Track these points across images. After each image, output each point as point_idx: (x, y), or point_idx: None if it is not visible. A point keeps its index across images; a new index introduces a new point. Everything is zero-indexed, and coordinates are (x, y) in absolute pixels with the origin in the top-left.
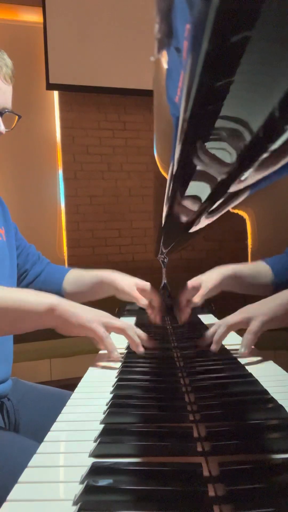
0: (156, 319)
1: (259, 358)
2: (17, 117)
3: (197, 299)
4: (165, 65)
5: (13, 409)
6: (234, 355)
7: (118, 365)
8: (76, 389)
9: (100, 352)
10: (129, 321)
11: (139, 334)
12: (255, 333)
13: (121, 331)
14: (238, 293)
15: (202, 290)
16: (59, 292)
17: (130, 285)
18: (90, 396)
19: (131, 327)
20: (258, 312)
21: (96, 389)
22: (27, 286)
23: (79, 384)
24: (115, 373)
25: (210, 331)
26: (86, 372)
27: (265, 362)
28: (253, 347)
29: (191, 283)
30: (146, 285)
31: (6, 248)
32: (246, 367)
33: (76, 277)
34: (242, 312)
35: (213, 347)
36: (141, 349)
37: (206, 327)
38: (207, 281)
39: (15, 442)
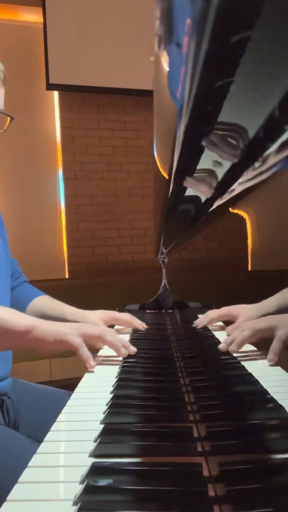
0: (140, 328)
1: (259, 358)
2: (9, 118)
3: (235, 347)
4: (165, 60)
5: (13, 407)
6: (235, 355)
7: (118, 365)
8: (76, 389)
9: (99, 354)
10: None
11: (118, 338)
12: (284, 340)
13: (98, 339)
14: (238, 294)
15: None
16: None
17: (93, 324)
18: (90, 396)
19: (108, 332)
20: (286, 322)
21: (96, 389)
22: None
23: (79, 384)
24: (115, 373)
25: (229, 329)
26: (86, 372)
27: (265, 362)
28: (253, 347)
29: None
30: (110, 314)
31: (1, 249)
32: (246, 367)
33: (41, 307)
34: (269, 319)
35: (234, 348)
36: (123, 352)
37: (207, 328)
38: (245, 318)
39: (15, 439)
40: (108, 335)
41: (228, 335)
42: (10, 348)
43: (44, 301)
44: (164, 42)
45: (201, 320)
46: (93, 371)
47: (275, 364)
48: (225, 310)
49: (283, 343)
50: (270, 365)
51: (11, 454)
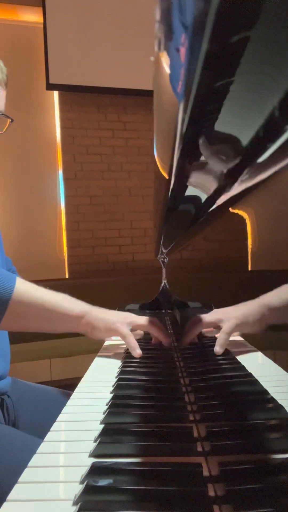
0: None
1: (258, 357)
2: (9, 120)
3: (218, 348)
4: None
5: (13, 406)
6: (234, 355)
7: (117, 365)
8: (76, 389)
9: (105, 344)
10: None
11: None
12: (228, 333)
13: (145, 327)
14: (238, 294)
15: (224, 336)
16: None
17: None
18: (90, 396)
19: (153, 320)
20: (231, 315)
21: (96, 389)
22: None
23: (79, 384)
24: (115, 373)
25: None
26: (86, 372)
27: (265, 362)
28: (254, 348)
29: (212, 319)
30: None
31: None
32: (246, 367)
33: None
34: (216, 313)
35: (185, 341)
36: (167, 341)
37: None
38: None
39: (15, 437)
40: (154, 323)
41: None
42: (67, 330)
43: None
44: (164, 42)
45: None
46: (102, 370)
47: (275, 364)
48: (214, 317)
49: (227, 335)
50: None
51: (11, 452)
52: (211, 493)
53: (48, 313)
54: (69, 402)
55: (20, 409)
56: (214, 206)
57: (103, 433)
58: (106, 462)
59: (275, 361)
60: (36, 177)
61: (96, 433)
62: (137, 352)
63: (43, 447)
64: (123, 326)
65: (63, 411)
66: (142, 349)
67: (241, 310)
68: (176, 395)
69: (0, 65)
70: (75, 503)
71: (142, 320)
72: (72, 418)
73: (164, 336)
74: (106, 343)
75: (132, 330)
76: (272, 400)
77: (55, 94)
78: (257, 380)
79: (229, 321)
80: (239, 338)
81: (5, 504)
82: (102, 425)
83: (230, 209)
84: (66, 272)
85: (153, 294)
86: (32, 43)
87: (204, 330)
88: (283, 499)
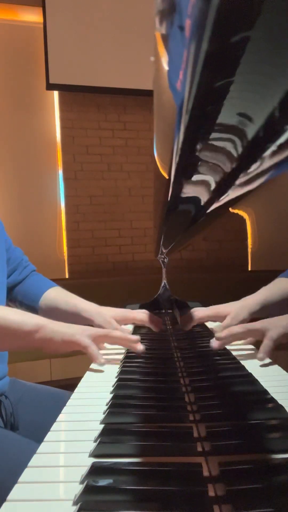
0: (156, 328)
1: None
2: None
3: (216, 344)
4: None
5: (11, 407)
6: (234, 354)
7: (117, 365)
8: (76, 389)
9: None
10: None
11: (126, 333)
12: (275, 340)
13: (105, 337)
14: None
15: (228, 331)
16: (35, 308)
17: (106, 321)
18: (90, 396)
19: (113, 330)
20: (277, 324)
21: (96, 389)
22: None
23: (79, 384)
24: (115, 373)
25: (218, 329)
26: (86, 372)
27: (265, 362)
28: (253, 347)
29: (215, 312)
30: (124, 313)
31: None
32: (246, 367)
33: (54, 300)
34: (261, 322)
35: (216, 345)
36: (138, 346)
37: (207, 328)
38: (233, 318)
39: (13, 440)
40: (114, 332)
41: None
42: (19, 349)
43: (57, 293)
44: (163, 41)
45: (187, 321)
46: (102, 370)
47: (275, 364)
48: (213, 310)
49: (273, 342)
50: (267, 364)
51: (9, 456)
52: (211, 493)
53: None
54: (69, 402)
55: (20, 410)
56: (214, 206)
57: (103, 433)
58: (106, 462)
59: (275, 361)
60: (36, 177)
61: (96, 433)
62: (100, 360)
63: (43, 447)
64: (83, 337)
65: (63, 411)
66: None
67: (286, 320)
68: (176, 395)
69: None
70: (75, 503)
71: (102, 331)
72: (72, 418)
73: (130, 343)
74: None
75: (96, 341)
76: (272, 400)
77: (55, 94)
78: (257, 380)
79: (276, 329)
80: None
81: (5, 504)
82: (102, 425)
83: (230, 209)
84: (66, 272)
85: (153, 294)
86: (32, 43)
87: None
88: (283, 499)
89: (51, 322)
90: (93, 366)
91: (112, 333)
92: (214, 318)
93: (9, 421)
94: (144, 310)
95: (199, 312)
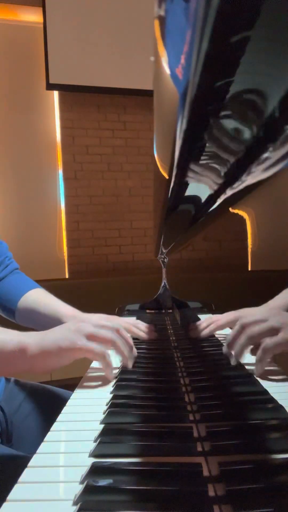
0: (143, 336)
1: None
2: None
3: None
4: (164, 63)
5: (5, 418)
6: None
7: (117, 365)
8: (76, 389)
9: None
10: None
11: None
12: (282, 344)
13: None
14: (238, 294)
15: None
16: (12, 310)
17: None
18: (90, 396)
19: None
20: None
21: (96, 389)
22: None
23: (79, 384)
24: (115, 373)
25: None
26: (86, 372)
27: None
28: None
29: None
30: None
31: None
32: (246, 367)
33: (33, 302)
34: (270, 321)
35: (237, 356)
36: (130, 364)
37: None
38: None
39: (6, 455)
40: (121, 343)
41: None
42: (5, 375)
43: (38, 296)
44: (163, 41)
45: (206, 327)
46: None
47: (275, 364)
48: (232, 316)
49: (279, 346)
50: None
51: (9, 459)
52: (211, 493)
53: None
54: (69, 402)
55: (20, 410)
56: (214, 206)
57: (103, 433)
58: (106, 462)
59: (275, 361)
60: (36, 177)
61: (96, 433)
62: (109, 375)
63: (43, 447)
64: (85, 341)
65: (63, 411)
66: (142, 348)
67: None
68: (176, 395)
69: None
70: (75, 503)
71: (106, 334)
72: (72, 418)
73: (123, 356)
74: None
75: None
76: (272, 400)
77: (55, 94)
78: (257, 380)
79: (285, 329)
80: None
81: (5, 504)
82: (102, 425)
83: (230, 209)
84: (66, 272)
85: (153, 294)
86: (32, 43)
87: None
88: (283, 499)
89: (36, 334)
90: (93, 366)
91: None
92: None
93: (4, 433)
94: (129, 320)
95: (218, 319)
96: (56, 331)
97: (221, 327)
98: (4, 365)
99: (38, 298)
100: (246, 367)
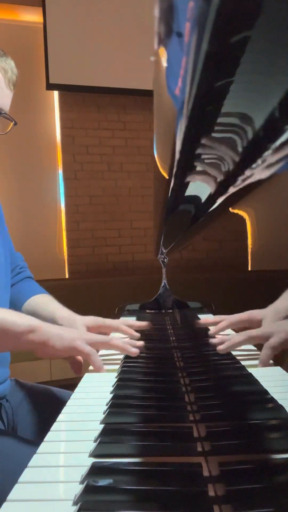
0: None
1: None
2: (12, 123)
3: (261, 365)
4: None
5: (12, 410)
6: (233, 354)
7: (118, 365)
8: (76, 389)
9: (100, 352)
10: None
11: (126, 341)
12: (274, 348)
13: (105, 345)
14: (238, 294)
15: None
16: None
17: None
18: (90, 396)
19: (114, 337)
20: (280, 328)
21: (96, 389)
22: None
23: (79, 384)
24: (115, 373)
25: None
26: (86, 372)
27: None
28: (253, 347)
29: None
30: (96, 321)
31: (1, 245)
32: (246, 367)
33: (35, 306)
34: (263, 329)
35: (221, 349)
36: (134, 350)
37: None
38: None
39: (15, 443)
40: (115, 340)
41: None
42: (12, 349)
43: (41, 300)
44: (163, 41)
45: (217, 326)
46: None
47: (275, 364)
48: (245, 316)
49: (272, 350)
50: (270, 364)
51: (10, 459)
52: (211, 493)
53: None
54: (69, 402)
55: (20, 410)
56: (214, 206)
57: (103, 433)
58: (106, 462)
59: (275, 361)
60: (36, 177)
61: (96, 433)
62: (103, 370)
63: (43, 447)
64: (84, 344)
65: (63, 411)
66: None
67: None
68: (176, 395)
69: (11, 65)
70: (75, 503)
71: (100, 337)
72: (72, 418)
73: (127, 350)
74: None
75: (95, 347)
76: (272, 400)
77: (55, 94)
78: (257, 380)
79: (278, 335)
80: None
81: (5, 504)
82: (102, 425)
83: (230, 209)
84: (66, 272)
85: (153, 294)
86: (32, 43)
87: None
88: (283, 499)
89: (47, 325)
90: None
91: (112, 341)
92: (247, 324)
93: (10, 424)
94: (118, 320)
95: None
96: (65, 329)
97: (231, 325)
98: (13, 341)
99: (41, 302)
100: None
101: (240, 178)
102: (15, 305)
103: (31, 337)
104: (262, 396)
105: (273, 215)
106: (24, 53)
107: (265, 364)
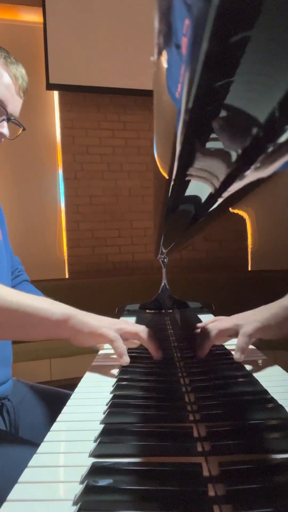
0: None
1: (259, 358)
2: (21, 129)
3: (238, 355)
4: (165, 60)
5: (13, 410)
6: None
7: (118, 365)
8: (76, 389)
9: (100, 352)
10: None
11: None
12: (250, 335)
13: (134, 335)
14: (238, 294)
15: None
16: None
17: None
18: (90, 396)
19: (145, 330)
20: (251, 318)
21: (96, 389)
22: None
23: (79, 384)
24: (115, 373)
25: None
26: (86, 372)
27: (266, 362)
28: (254, 347)
29: (229, 325)
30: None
31: (3, 246)
32: (247, 367)
33: None
34: (233, 318)
35: (200, 354)
36: (158, 354)
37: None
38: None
39: (17, 443)
40: (145, 333)
41: None
42: (46, 337)
43: None
44: (163, 43)
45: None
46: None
47: (274, 364)
48: (230, 322)
49: (249, 338)
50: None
51: (12, 458)
52: (211, 493)
53: (25, 318)
54: (69, 402)
55: (21, 411)
56: (214, 206)
57: (103, 433)
58: (106, 462)
59: (275, 361)
60: (36, 177)
61: (96, 433)
62: (124, 359)
63: (43, 447)
64: (110, 330)
65: (63, 411)
66: (142, 348)
67: (263, 313)
68: (176, 395)
69: (23, 72)
70: (75, 503)
71: (133, 328)
72: (72, 418)
73: (155, 349)
74: (103, 351)
75: (125, 339)
76: (272, 400)
77: (55, 94)
78: (257, 380)
79: (251, 324)
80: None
81: (5, 504)
82: (102, 425)
83: (230, 209)
84: (66, 272)
85: (153, 294)
86: (32, 43)
87: (220, 340)
88: (283, 499)
89: (80, 313)
90: (93, 365)
91: (141, 333)
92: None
93: (12, 423)
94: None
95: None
96: (97, 317)
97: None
98: (48, 330)
99: None
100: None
101: (240, 178)
102: None
103: (65, 326)
104: (262, 396)
105: (273, 215)
106: (24, 53)
107: (244, 352)
